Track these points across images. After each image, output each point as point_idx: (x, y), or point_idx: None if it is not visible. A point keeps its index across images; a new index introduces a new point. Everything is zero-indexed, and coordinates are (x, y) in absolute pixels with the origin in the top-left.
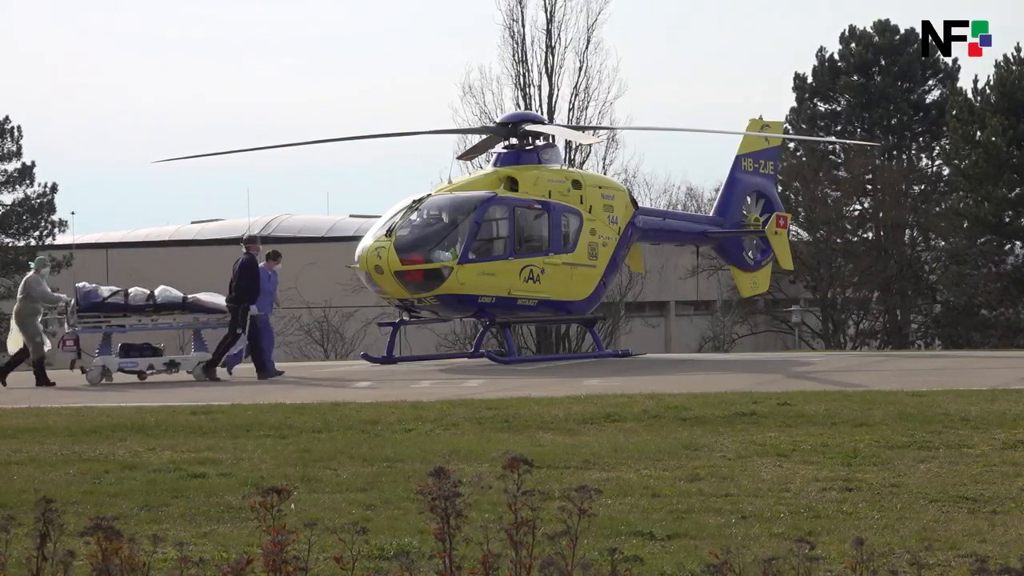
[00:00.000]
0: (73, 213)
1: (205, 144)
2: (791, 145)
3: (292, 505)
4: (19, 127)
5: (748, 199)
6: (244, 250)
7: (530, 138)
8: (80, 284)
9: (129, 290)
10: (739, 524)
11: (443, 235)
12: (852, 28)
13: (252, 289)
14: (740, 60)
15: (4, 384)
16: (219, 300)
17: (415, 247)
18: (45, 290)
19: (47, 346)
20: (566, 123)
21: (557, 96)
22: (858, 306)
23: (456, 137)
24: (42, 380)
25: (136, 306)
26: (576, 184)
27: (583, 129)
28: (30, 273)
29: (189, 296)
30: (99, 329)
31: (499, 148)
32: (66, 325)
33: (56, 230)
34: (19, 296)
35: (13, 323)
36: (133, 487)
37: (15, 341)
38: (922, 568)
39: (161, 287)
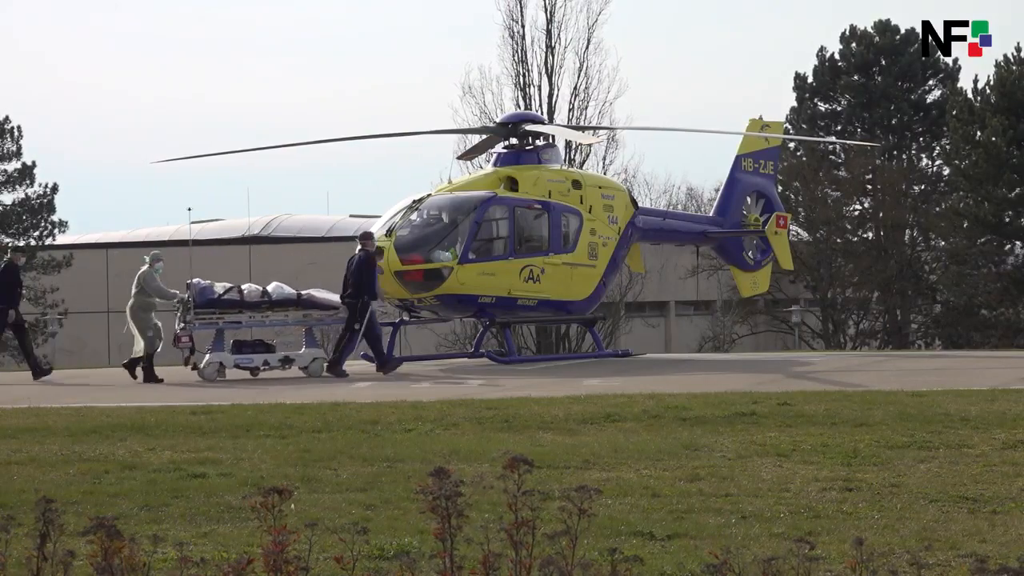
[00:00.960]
0: (190, 209)
1: (205, 144)
2: (791, 145)
3: (292, 505)
4: (19, 127)
5: (748, 199)
6: (360, 246)
7: (530, 138)
8: (194, 280)
9: (243, 286)
10: (739, 524)
11: (443, 235)
12: (853, 28)
13: (372, 285)
14: (740, 60)
15: (160, 380)
16: (332, 297)
17: (415, 247)
18: (160, 285)
19: (140, 344)
20: (566, 123)
21: (557, 96)
22: (858, 306)
23: (456, 137)
24: (150, 377)
25: (251, 302)
26: (576, 184)
27: (583, 129)
28: (144, 268)
29: (303, 292)
30: (215, 325)
31: (499, 148)
32: (177, 322)
33: (56, 230)
34: (133, 291)
35: (128, 318)
36: (133, 487)
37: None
38: (922, 568)
39: (274, 283)
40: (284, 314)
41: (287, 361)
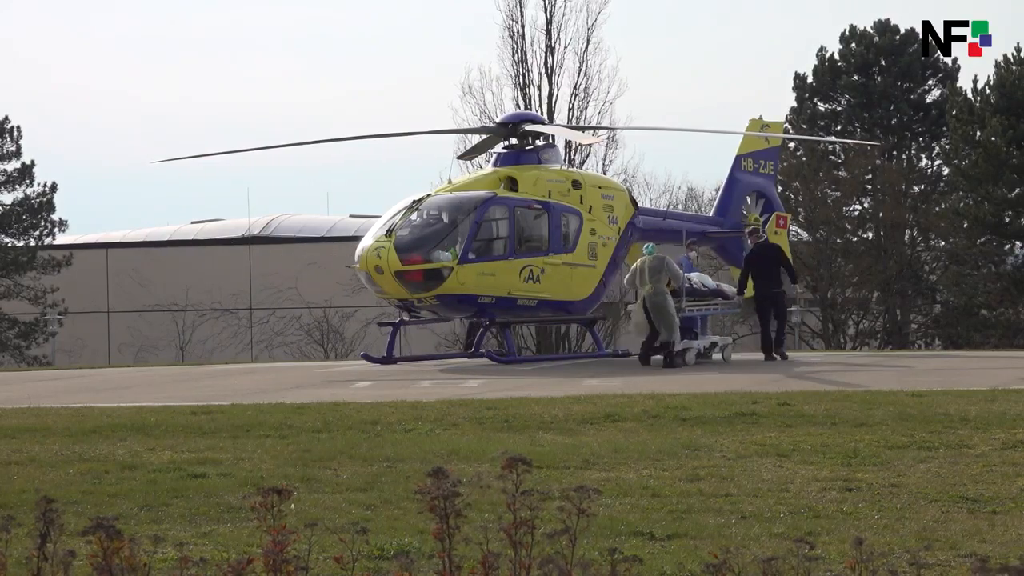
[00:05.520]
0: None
1: (205, 144)
2: (791, 145)
3: (292, 505)
4: (19, 127)
5: (748, 199)
6: (761, 236)
7: (530, 138)
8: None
9: (688, 275)
10: (739, 524)
11: (443, 235)
12: (852, 28)
13: (792, 269)
14: (740, 60)
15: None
16: (730, 288)
17: (415, 247)
18: (679, 271)
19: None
20: (566, 123)
21: (557, 96)
22: (858, 306)
23: (456, 137)
24: (680, 360)
25: (702, 292)
26: (576, 184)
27: (583, 129)
28: (648, 256)
29: (717, 285)
30: (693, 313)
31: (499, 148)
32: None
33: (56, 230)
34: (650, 279)
35: (649, 307)
36: (133, 487)
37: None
38: (922, 568)
39: (697, 273)
40: (714, 303)
41: (713, 346)
